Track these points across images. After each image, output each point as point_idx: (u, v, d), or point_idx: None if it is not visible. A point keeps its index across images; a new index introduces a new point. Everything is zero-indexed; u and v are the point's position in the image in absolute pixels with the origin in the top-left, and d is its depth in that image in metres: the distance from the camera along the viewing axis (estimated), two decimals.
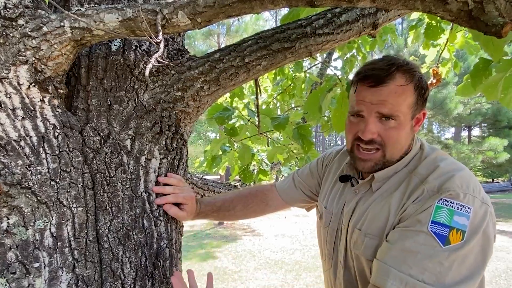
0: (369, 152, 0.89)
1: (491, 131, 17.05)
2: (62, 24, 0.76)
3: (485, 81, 1.25)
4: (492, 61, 1.25)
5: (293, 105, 3.58)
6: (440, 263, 0.72)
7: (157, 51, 0.69)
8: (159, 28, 0.73)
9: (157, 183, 0.99)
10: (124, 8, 0.77)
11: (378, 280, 0.77)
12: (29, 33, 0.75)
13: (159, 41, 0.70)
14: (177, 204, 1.02)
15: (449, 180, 0.79)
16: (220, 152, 2.33)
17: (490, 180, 20.58)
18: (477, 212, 0.76)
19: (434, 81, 2.39)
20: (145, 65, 0.95)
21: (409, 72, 0.86)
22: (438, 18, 2.15)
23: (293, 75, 3.26)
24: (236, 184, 2.58)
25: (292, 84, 3.27)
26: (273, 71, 3.29)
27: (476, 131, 20.00)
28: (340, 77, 1.76)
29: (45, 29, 0.76)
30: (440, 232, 0.74)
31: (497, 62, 1.13)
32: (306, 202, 1.27)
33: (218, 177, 11.79)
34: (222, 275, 6.27)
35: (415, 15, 2.40)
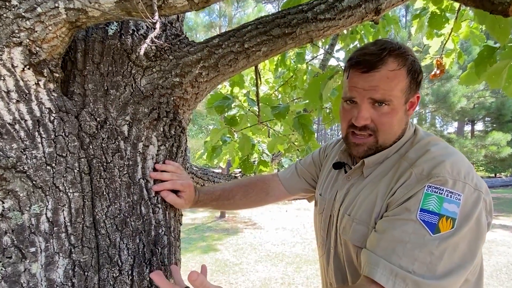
0: (363, 136, 0.88)
1: (494, 125, 16.97)
2: (56, 5, 0.74)
3: (489, 68, 1.22)
4: (497, 49, 1.22)
5: (294, 97, 3.55)
6: (431, 252, 0.70)
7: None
8: (155, 8, 0.71)
9: (155, 170, 0.98)
10: None
11: (368, 271, 0.75)
12: (23, 14, 0.73)
13: (155, 21, 0.68)
14: (175, 192, 1.01)
15: (439, 165, 0.76)
16: (221, 143, 2.32)
17: (493, 175, 20.52)
18: (468, 199, 0.73)
19: (438, 72, 2.35)
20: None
21: (401, 56, 0.83)
22: (443, 7, 2.11)
23: (295, 66, 3.23)
24: (236, 175, 2.58)
25: (293, 76, 3.24)
26: (275, 63, 3.26)
27: (479, 126, 19.89)
28: (342, 67, 1.73)
29: (39, 10, 0.74)
30: (429, 220, 0.72)
31: (503, 46, 1.10)
32: (308, 192, 1.26)
33: (220, 170, 11.81)
34: (223, 267, 6.30)
35: (419, 4, 2.36)
